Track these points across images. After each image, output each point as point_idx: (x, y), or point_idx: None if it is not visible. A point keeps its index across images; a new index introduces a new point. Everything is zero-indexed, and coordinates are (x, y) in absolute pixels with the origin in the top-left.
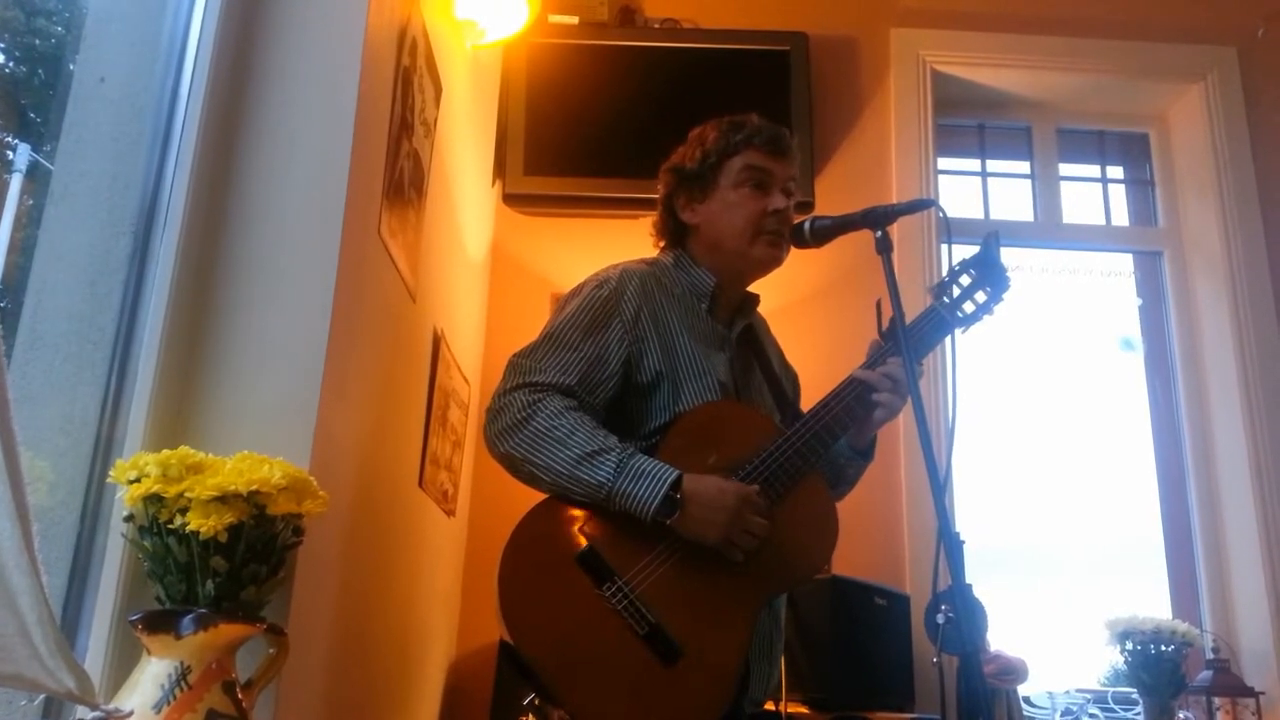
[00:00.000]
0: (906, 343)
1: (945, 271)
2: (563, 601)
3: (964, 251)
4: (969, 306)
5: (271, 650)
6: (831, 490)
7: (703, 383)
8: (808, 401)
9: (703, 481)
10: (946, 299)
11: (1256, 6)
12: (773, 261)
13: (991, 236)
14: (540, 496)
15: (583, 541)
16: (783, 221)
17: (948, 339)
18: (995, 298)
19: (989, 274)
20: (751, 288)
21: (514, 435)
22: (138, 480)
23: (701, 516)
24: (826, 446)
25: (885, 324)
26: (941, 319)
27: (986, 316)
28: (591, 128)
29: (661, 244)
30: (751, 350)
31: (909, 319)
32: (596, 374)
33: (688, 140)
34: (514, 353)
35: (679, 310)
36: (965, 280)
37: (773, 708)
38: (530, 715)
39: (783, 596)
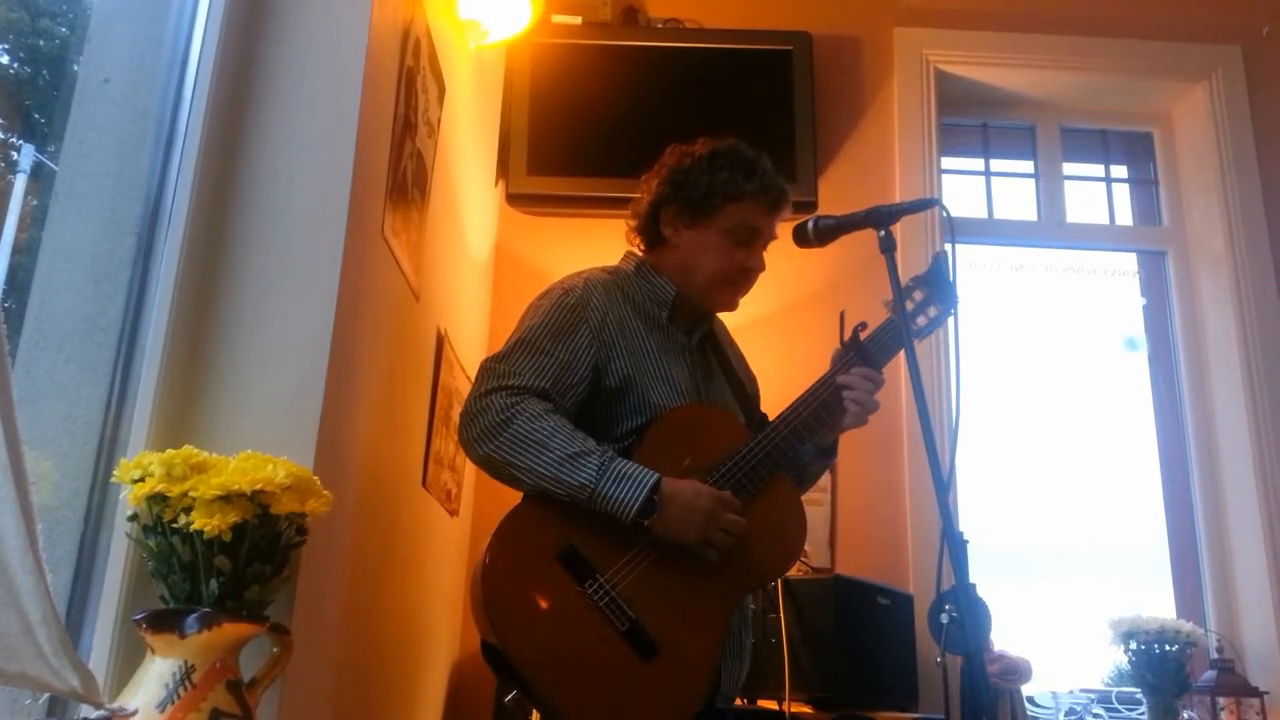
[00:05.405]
0: (906, 348)
1: (898, 288)
2: (545, 599)
3: (968, 252)
4: (921, 320)
5: (275, 649)
6: (795, 488)
7: (670, 387)
8: (780, 404)
9: (680, 484)
10: (900, 312)
11: (1261, 5)
12: (727, 308)
13: (940, 255)
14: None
15: (563, 540)
16: (751, 280)
17: (904, 351)
18: (945, 313)
19: (938, 290)
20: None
21: (494, 438)
22: (142, 480)
23: (679, 518)
24: (796, 449)
25: (848, 334)
26: (897, 331)
27: (938, 329)
28: (595, 128)
29: (635, 238)
30: (713, 355)
31: (870, 330)
32: (567, 378)
33: (696, 150)
34: (486, 357)
35: (641, 317)
36: (918, 296)
37: (776, 707)
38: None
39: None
